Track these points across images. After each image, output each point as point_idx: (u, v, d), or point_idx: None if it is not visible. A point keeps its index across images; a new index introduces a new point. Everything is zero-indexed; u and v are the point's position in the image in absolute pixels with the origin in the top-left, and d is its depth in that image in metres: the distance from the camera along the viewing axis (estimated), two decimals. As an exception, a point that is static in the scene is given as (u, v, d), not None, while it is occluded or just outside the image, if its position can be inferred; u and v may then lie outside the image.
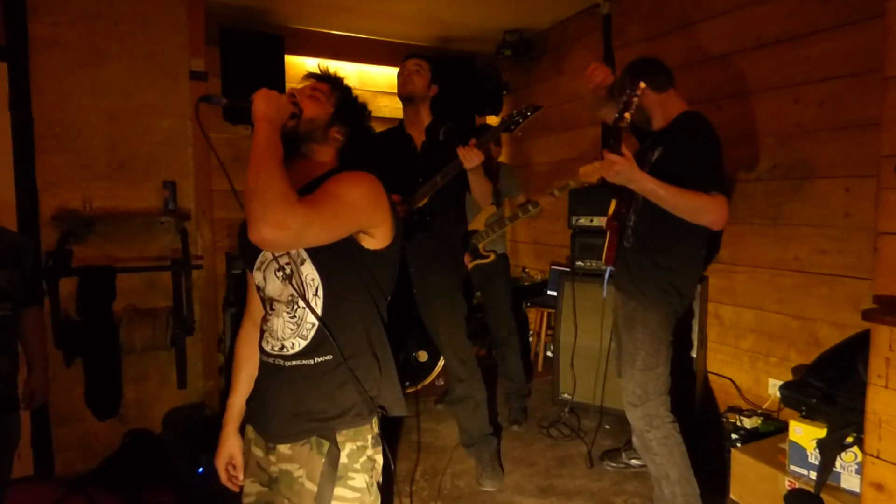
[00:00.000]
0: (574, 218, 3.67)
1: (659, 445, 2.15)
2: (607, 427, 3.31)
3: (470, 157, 2.46)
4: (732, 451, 2.56)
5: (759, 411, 2.98)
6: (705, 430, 3.19)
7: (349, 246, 1.26)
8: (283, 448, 1.31)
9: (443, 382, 3.79)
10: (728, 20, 3.18)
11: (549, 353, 4.39)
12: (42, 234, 2.81)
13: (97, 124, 2.92)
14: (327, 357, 1.29)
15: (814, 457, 2.22)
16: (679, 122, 2.19)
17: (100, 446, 2.91)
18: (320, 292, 1.28)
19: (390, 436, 1.39)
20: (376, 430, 1.34)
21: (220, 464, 1.47)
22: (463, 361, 2.75)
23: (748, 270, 3.15)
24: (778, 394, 2.60)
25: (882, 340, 1.80)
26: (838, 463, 2.15)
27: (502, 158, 4.13)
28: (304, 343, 1.29)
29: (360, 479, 1.29)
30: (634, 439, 2.27)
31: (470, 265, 3.37)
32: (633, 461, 2.80)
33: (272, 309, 1.34)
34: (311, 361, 1.29)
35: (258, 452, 1.38)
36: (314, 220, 1.14)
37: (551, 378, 3.70)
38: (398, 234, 1.36)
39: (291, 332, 1.31)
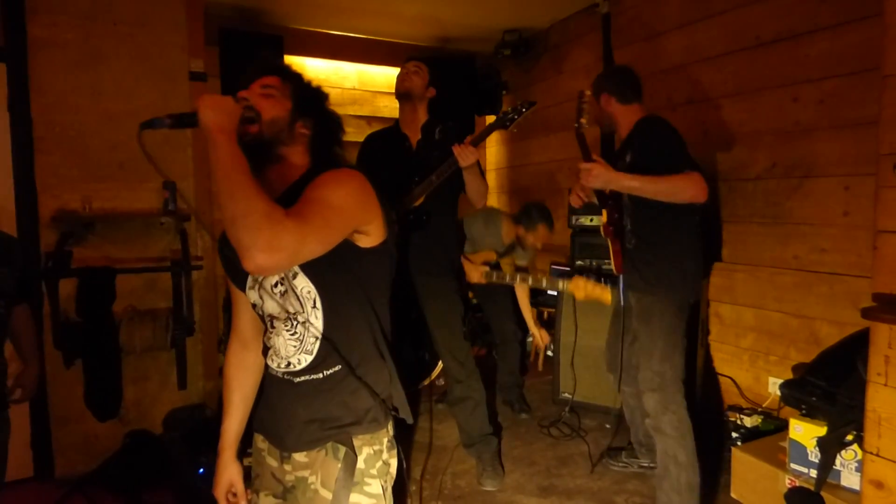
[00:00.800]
0: (574, 217, 3.67)
1: (672, 429, 2.24)
2: (608, 426, 3.31)
3: (465, 155, 2.43)
4: (733, 449, 2.56)
5: (759, 410, 2.98)
6: (706, 429, 3.19)
7: (344, 250, 1.18)
8: (299, 456, 1.27)
9: (443, 382, 3.79)
10: (727, 19, 3.18)
11: (549, 353, 4.39)
12: (41, 235, 2.81)
13: (96, 125, 2.92)
14: (336, 368, 1.25)
15: (814, 455, 2.22)
16: (639, 126, 2.38)
17: (100, 447, 2.91)
18: (319, 304, 1.22)
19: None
20: (391, 432, 1.30)
21: (220, 493, 1.41)
22: (460, 362, 2.74)
23: (748, 269, 3.15)
24: (778, 392, 2.61)
25: (881, 338, 1.80)
26: (838, 461, 2.16)
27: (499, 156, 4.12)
28: (310, 358, 1.25)
29: (376, 485, 1.25)
30: (648, 421, 2.35)
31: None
32: (635, 462, 2.79)
33: (272, 327, 1.28)
34: (320, 375, 1.25)
35: (272, 462, 1.33)
36: (307, 233, 1.06)
37: (552, 378, 3.70)
38: (391, 226, 1.30)
39: (295, 350, 1.26)
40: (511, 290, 3.64)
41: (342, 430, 1.24)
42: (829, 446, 2.15)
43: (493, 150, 5.63)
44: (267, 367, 1.33)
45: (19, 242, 2.35)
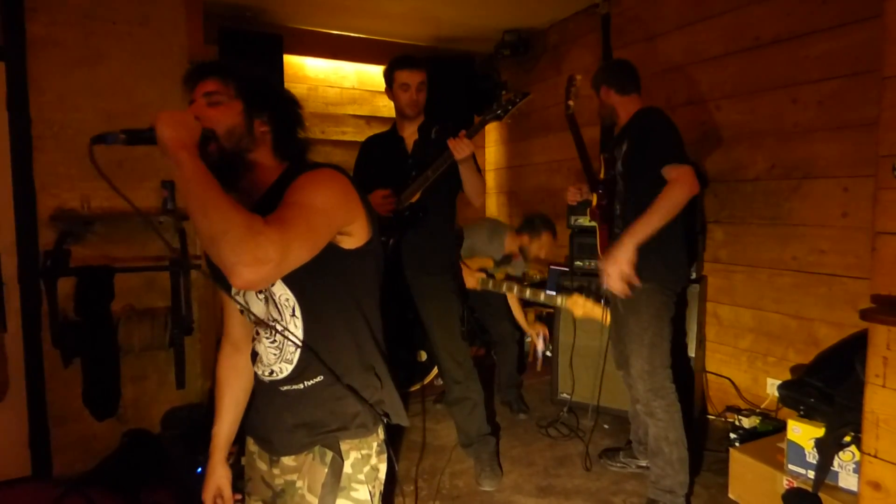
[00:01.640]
0: (573, 218, 3.67)
1: (663, 412, 2.34)
2: (606, 427, 3.31)
3: (461, 148, 2.42)
4: (731, 450, 2.56)
5: (757, 411, 2.99)
6: (704, 430, 3.19)
7: (326, 253, 1.11)
8: (288, 460, 1.26)
9: (441, 382, 3.80)
10: (726, 20, 3.18)
11: (547, 353, 4.39)
12: (40, 234, 2.80)
13: (95, 124, 2.91)
14: (318, 379, 1.21)
15: (812, 456, 2.22)
16: (637, 117, 2.44)
17: (98, 446, 2.91)
18: (298, 312, 1.18)
19: (390, 435, 1.36)
20: (382, 436, 1.27)
21: (208, 497, 1.40)
22: (459, 363, 2.74)
23: (747, 270, 3.16)
24: (776, 393, 2.61)
25: (880, 340, 1.80)
26: (836, 462, 2.16)
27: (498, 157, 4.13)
28: (290, 367, 1.22)
29: (363, 491, 1.23)
30: (639, 406, 2.44)
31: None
32: (633, 462, 2.80)
33: (257, 333, 1.26)
34: (301, 386, 1.22)
35: (262, 466, 1.32)
36: (290, 241, 0.99)
37: (550, 378, 3.70)
38: (375, 224, 1.24)
39: (276, 358, 1.23)
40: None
41: (329, 435, 1.22)
42: (827, 447, 2.15)
43: (493, 150, 5.63)
44: (255, 372, 1.32)
45: None
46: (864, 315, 1.84)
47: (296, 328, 1.19)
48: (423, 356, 3.81)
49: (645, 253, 2.32)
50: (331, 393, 1.22)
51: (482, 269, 3.43)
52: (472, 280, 3.32)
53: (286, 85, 4.17)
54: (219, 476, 1.40)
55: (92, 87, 2.90)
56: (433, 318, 2.74)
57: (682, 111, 3.40)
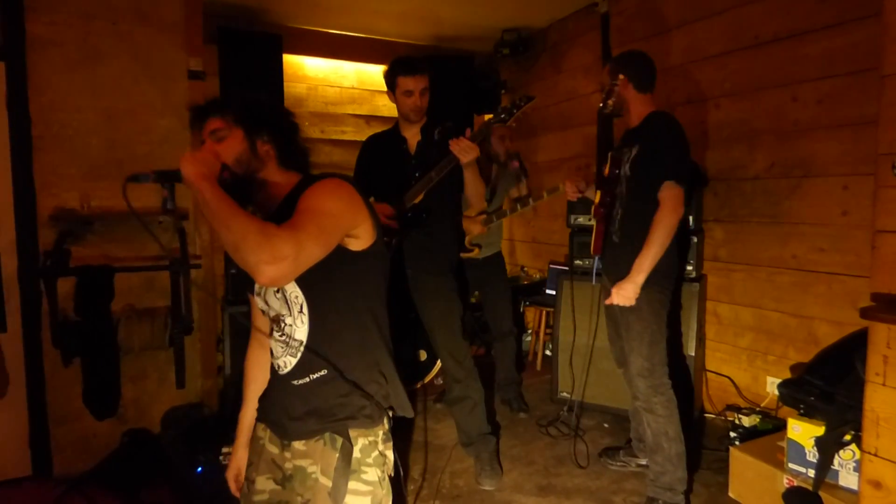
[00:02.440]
0: (572, 217, 3.67)
1: (662, 408, 2.36)
2: (606, 426, 3.31)
3: (465, 152, 2.41)
4: (731, 449, 2.56)
5: (757, 409, 2.99)
6: (703, 428, 3.19)
7: (335, 255, 1.23)
8: (298, 444, 1.34)
9: (441, 381, 3.80)
10: (726, 19, 3.18)
11: (547, 352, 4.39)
12: (40, 234, 2.80)
13: (95, 123, 2.92)
14: (322, 372, 1.31)
15: (812, 455, 2.22)
16: (650, 121, 2.40)
17: (98, 446, 2.91)
18: (305, 309, 1.29)
19: (393, 432, 1.42)
20: (387, 426, 1.36)
21: (230, 476, 1.54)
22: (459, 362, 2.74)
23: (746, 269, 3.16)
24: (776, 392, 2.61)
25: (880, 338, 1.80)
26: (836, 461, 2.16)
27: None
28: (294, 361, 1.32)
29: (372, 473, 1.31)
30: (638, 403, 2.46)
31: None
32: (633, 461, 2.80)
33: (272, 329, 1.38)
34: (307, 379, 1.32)
35: (273, 450, 1.40)
36: (303, 239, 1.12)
37: (550, 377, 3.70)
38: (379, 228, 1.35)
39: (282, 351, 1.34)
40: (508, 286, 3.67)
41: (339, 423, 1.30)
42: (828, 446, 2.15)
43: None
44: (271, 363, 1.42)
45: None
46: (864, 313, 1.84)
47: (301, 324, 1.30)
48: (423, 356, 3.81)
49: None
50: (336, 387, 1.31)
51: (482, 213, 3.40)
52: (475, 227, 3.31)
53: (286, 84, 4.18)
54: (240, 457, 1.52)
55: (92, 87, 2.90)
56: (434, 318, 2.74)
57: (682, 110, 3.40)
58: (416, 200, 2.60)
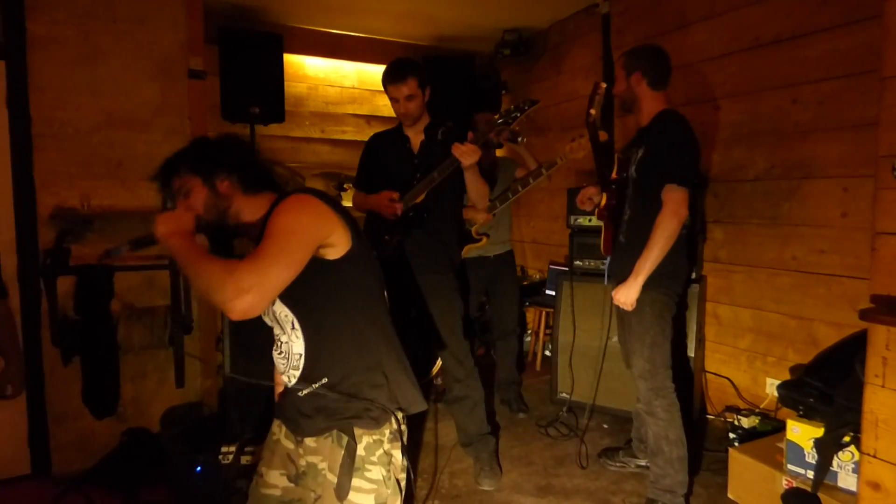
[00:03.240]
0: (572, 217, 3.67)
1: (664, 412, 2.34)
2: (605, 426, 3.31)
3: (466, 154, 2.40)
4: (730, 450, 2.56)
5: (756, 411, 2.99)
6: (703, 430, 3.19)
7: (314, 268, 1.25)
8: (310, 441, 1.39)
9: (440, 381, 3.80)
10: (726, 20, 3.18)
11: (547, 353, 4.39)
12: (40, 233, 2.80)
13: (95, 122, 2.92)
14: (323, 381, 1.35)
15: (811, 456, 2.22)
16: (658, 121, 2.37)
17: (97, 445, 2.90)
18: (297, 325, 1.33)
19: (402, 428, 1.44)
20: (395, 426, 1.38)
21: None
22: (460, 361, 2.74)
23: (746, 270, 3.16)
24: (776, 393, 2.61)
25: (879, 340, 1.80)
26: (835, 462, 2.16)
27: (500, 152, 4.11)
28: (297, 374, 1.36)
29: (376, 472, 1.33)
30: (640, 406, 2.45)
31: (464, 251, 3.34)
32: (632, 461, 2.80)
33: (273, 347, 1.45)
34: (311, 388, 1.36)
35: (289, 445, 1.45)
36: (265, 266, 1.14)
37: (549, 377, 3.70)
38: (356, 231, 1.35)
39: (284, 366, 1.39)
40: (518, 285, 3.70)
41: (344, 422, 1.34)
42: (827, 447, 2.15)
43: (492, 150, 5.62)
44: None
45: None
46: (864, 315, 1.84)
47: (297, 338, 1.34)
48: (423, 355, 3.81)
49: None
50: (338, 392, 1.35)
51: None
52: (480, 215, 3.27)
53: (286, 84, 4.17)
54: None
55: (92, 86, 2.90)
56: (435, 317, 2.74)
57: (682, 111, 3.32)
58: (418, 200, 2.61)
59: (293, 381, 1.37)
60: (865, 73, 2.55)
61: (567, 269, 3.74)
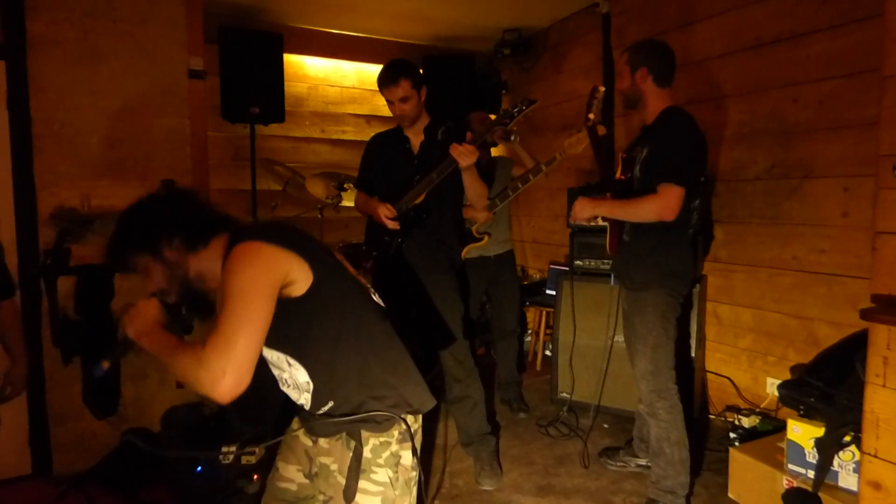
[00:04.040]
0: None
1: (666, 413, 2.34)
2: (606, 426, 3.31)
3: (464, 155, 2.39)
4: (731, 450, 2.56)
5: (757, 410, 2.99)
6: (704, 429, 3.19)
7: (284, 309, 1.22)
8: (324, 442, 1.43)
9: (440, 382, 3.80)
10: (727, 20, 3.18)
11: (547, 352, 4.39)
12: (40, 233, 2.80)
13: (95, 123, 2.92)
14: (330, 404, 1.36)
15: (812, 456, 2.22)
16: (662, 119, 2.34)
17: (98, 445, 2.90)
18: (292, 361, 1.33)
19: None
20: (404, 426, 1.38)
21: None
22: (460, 361, 2.74)
23: (747, 270, 3.16)
24: (776, 393, 2.61)
25: (880, 339, 1.80)
26: (836, 462, 2.16)
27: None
28: (309, 399, 1.37)
29: (382, 474, 1.34)
30: (642, 406, 2.43)
31: (465, 251, 3.34)
32: (632, 461, 2.80)
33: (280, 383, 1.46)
34: (321, 412, 1.38)
35: (307, 442, 1.48)
36: (230, 343, 1.12)
37: (550, 377, 3.70)
38: (314, 254, 1.30)
39: (297, 395, 1.41)
40: (518, 285, 3.71)
41: (352, 425, 1.35)
42: (827, 447, 2.15)
43: (492, 149, 5.62)
44: None
45: None
46: (865, 315, 1.84)
47: (297, 370, 1.34)
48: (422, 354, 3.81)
49: (646, 261, 2.36)
50: (345, 408, 1.36)
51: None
52: (481, 214, 3.25)
53: (286, 84, 4.17)
54: None
55: (92, 86, 2.90)
56: (435, 317, 2.74)
57: None
58: (418, 200, 2.61)
59: (308, 406, 1.39)
60: (866, 72, 2.55)
61: (567, 268, 3.73)
